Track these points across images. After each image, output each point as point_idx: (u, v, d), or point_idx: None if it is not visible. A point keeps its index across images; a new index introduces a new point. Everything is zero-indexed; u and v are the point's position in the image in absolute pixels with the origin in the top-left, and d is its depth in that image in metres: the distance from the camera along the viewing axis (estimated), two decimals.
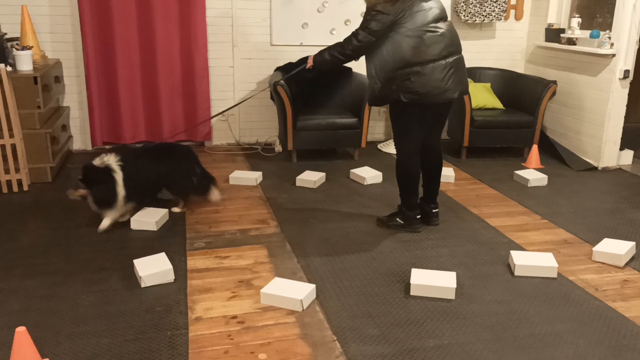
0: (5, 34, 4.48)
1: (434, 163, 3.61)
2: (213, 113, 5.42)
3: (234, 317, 2.61)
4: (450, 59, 3.22)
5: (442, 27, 3.20)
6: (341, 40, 3.39)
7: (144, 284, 2.85)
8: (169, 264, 2.95)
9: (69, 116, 5.08)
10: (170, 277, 2.91)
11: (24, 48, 4.25)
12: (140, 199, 3.64)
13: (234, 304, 2.72)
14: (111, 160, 3.48)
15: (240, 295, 2.80)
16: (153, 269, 2.90)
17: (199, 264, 3.11)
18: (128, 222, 3.57)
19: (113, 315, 2.59)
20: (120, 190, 3.44)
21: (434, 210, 3.66)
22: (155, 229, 3.53)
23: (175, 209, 3.83)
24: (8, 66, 4.11)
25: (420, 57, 3.16)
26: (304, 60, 5.26)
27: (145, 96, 5.19)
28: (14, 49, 4.26)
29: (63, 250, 3.24)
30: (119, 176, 3.45)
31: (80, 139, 5.21)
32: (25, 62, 4.22)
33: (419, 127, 3.40)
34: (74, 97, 5.10)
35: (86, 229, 3.52)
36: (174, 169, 3.74)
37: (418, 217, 3.58)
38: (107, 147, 5.24)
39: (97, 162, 3.48)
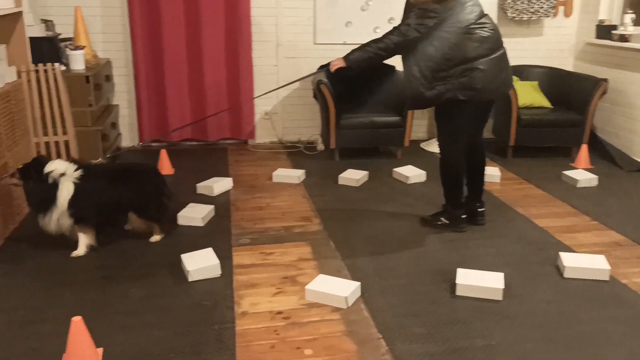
0: (60, 34, 4.63)
1: (478, 161, 3.57)
2: (257, 112, 5.48)
3: (280, 312, 2.63)
4: (499, 53, 3.20)
5: (488, 22, 3.18)
6: (379, 36, 3.30)
7: (191, 278, 2.91)
8: (216, 259, 3.00)
9: (118, 114, 5.23)
10: (217, 272, 2.96)
11: (77, 48, 4.39)
12: (98, 223, 3.26)
13: (279, 299, 2.74)
14: (69, 172, 3.14)
15: (285, 291, 2.82)
16: (200, 263, 2.95)
17: (245, 260, 3.15)
18: (175, 218, 3.63)
19: (162, 309, 2.65)
20: (62, 204, 3.09)
21: (479, 209, 3.61)
22: (201, 224, 3.59)
23: (155, 238, 3.37)
24: (62, 65, 4.25)
25: (475, 53, 3.12)
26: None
27: (191, 94, 5.28)
28: (67, 49, 4.41)
29: (113, 245, 3.32)
30: (65, 189, 3.10)
31: (128, 137, 5.35)
32: (78, 62, 4.36)
33: (469, 126, 3.36)
34: (123, 95, 5.24)
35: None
36: (139, 191, 3.28)
37: (464, 216, 3.54)
38: (154, 144, 5.36)
39: (51, 165, 3.14)
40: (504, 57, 3.24)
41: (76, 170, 3.17)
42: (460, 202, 3.54)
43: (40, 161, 3.19)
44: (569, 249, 3.29)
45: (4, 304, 2.69)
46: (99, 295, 2.77)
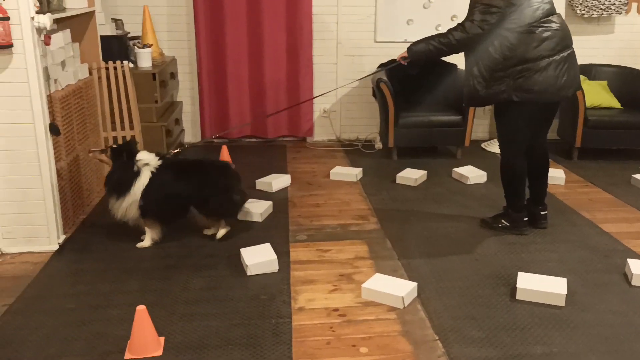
0: (129, 33, 4.81)
1: (541, 164, 3.48)
2: (315, 110, 5.51)
3: (336, 309, 2.65)
4: (564, 54, 3.09)
5: (555, 21, 3.08)
6: (444, 31, 3.28)
7: (249, 272, 2.96)
8: (274, 254, 3.05)
9: (181, 110, 5.38)
10: (274, 267, 3.00)
11: (144, 46, 4.55)
12: (165, 216, 3.32)
13: (335, 296, 2.76)
14: (152, 163, 3.25)
15: (341, 288, 2.83)
16: (258, 258, 3.00)
17: (301, 256, 3.18)
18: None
19: (221, 300, 2.72)
20: (135, 193, 3.18)
21: (542, 213, 3.51)
22: (260, 220, 3.65)
23: (220, 233, 3.36)
24: (130, 63, 4.41)
25: (535, 53, 3.03)
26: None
27: (252, 92, 5.37)
28: (135, 47, 4.57)
29: (176, 236, 3.42)
30: (143, 179, 3.20)
31: (191, 133, 5.50)
32: (145, 59, 4.52)
33: (527, 127, 3.27)
34: (186, 92, 5.39)
35: (195, 218, 3.70)
36: (203, 187, 3.29)
37: (525, 219, 3.44)
38: (215, 140, 5.48)
39: (140, 154, 3.27)
40: (569, 58, 3.12)
41: (158, 162, 3.28)
42: (522, 205, 3.45)
43: (133, 146, 3.32)
44: (638, 256, 3.15)
45: (74, 289, 2.83)
46: (162, 284, 2.87)
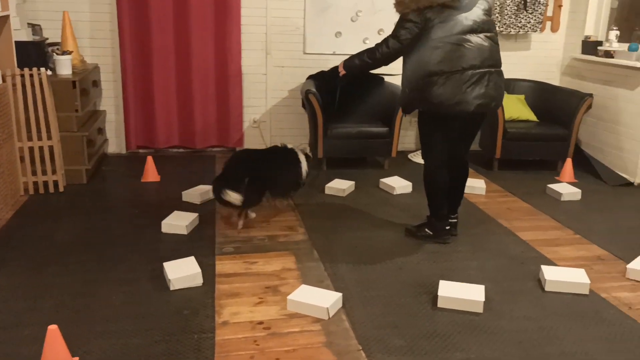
0: (47, 39, 4.62)
1: (459, 175, 3.57)
2: (245, 120, 5.48)
3: (260, 322, 2.62)
4: (477, 72, 3.14)
5: (470, 40, 3.13)
6: (372, 46, 3.39)
7: (172, 286, 2.89)
8: (198, 267, 2.99)
9: (105, 120, 5.21)
10: (198, 280, 2.94)
11: (64, 53, 4.38)
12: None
13: (261, 309, 2.73)
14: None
15: (267, 301, 2.81)
16: (182, 272, 2.93)
17: (227, 269, 3.14)
18: (159, 225, 3.62)
19: (142, 316, 2.64)
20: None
21: (451, 220, 3.62)
22: (185, 232, 3.58)
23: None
24: (48, 70, 4.24)
25: (441, 67, 3.14)
26: (335, 69, 5.31)
27: (180, 101, 5.28)
28: (54, 53, 4.39)
29: (96, 250, 3.31)
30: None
31: (115, 143, 5.33)
32: (64, 67, 4.34)
33: (442, 139, 3.37)
34: (110, 101, 5.23)
35: (119, 230, 3.60)
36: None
37: (447, 227, 3.55)
38: (140, 151, 5.35)
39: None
40: (483, 76, 3.16)
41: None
42: (444, 214, 3.55)
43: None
44: (551, 263, 3.31)
45: None
46: (80, 300, 2.75)
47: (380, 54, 3.30)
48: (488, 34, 3.21)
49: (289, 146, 4.03)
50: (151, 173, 4.61)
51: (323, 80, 5.22)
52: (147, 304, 2.75)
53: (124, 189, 4.42)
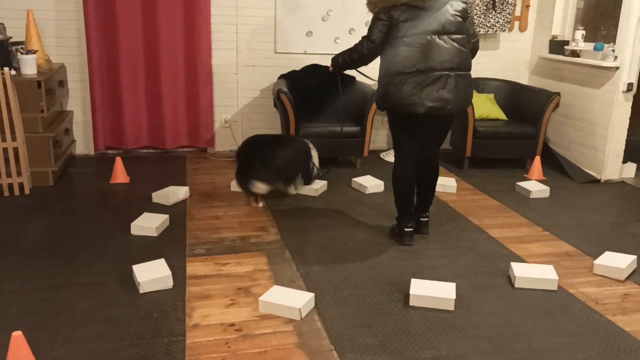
0: (10, 37, 4.50)
1: (429, 175, 3.56)
2: (216, 120, 5.43)
3: (232, 324, 2.60)
4: (433, 74, 3.13)
5: (435, 41, 3.12)
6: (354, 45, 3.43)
7: (142, 289, 2.85)
8: (168, 270, 2.95)
9: (72, 120, 5.10)
10: (168, 283, 2.90)
11: (28, 52, 4.28)
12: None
13: (232, 311, 2.71)
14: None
15: (238, 302, 2.79)
16: (152, 274, 2.89)
17: (198, 271, 3.10)
18: (128, 227, 3.57)
19: (110, 320, 2.59)
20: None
21: (422, 219, 3.63)
22: (155, 234, 3.53)
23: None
24: (12, 70, 4.13)
25: (398, 68, 3.17)
26: (308, 67, 5.30)
27: (149, 101, 5.20)
28: (18, 52, 4.29)
29: (63, 253, 3.24)
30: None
31: (83, 143, 5.23)
32: (29, 66, 4.24)
33: (407, 139, 3.39)
34: (77, 101, 5.12)
35: (87, 233, 3.53)
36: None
37: (408, 229, 3.50)
38: (109, 152, 5.26)
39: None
40: (440, 79, 3.14)
41: None
42: (405, 216, 3.51)
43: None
44: (520, 259, 3.36)
45: None
46: (47, 305, 2.69)
47: (357, 53, 3.36)
48: (454, 37, 3.17)
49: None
50: (120, 174, 4.53)
51: (295, 80, 5.22)
52: (116, 307, 2.70)
53: (92, 190, 4.34)
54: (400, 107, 3.23)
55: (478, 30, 5.59)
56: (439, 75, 3.15)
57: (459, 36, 3.20)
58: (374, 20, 3.24)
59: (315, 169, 4.33)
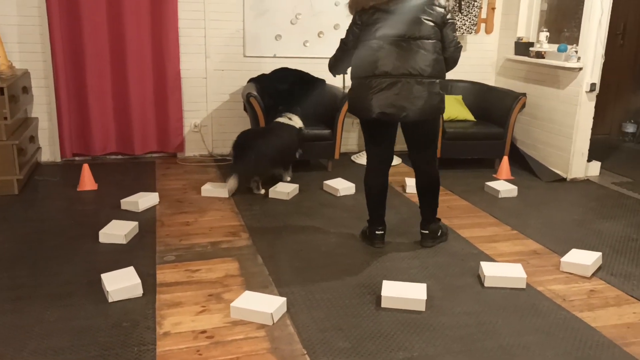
0: None
1: (424, 186, 3.49)
2: (186, 124, 5.38)
3: (203, 331, 2.57)
4: (387, 79, 3.09)
5: (393, 45, 3.07)
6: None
7: (111, 298, 2.80)
8: (137, 278, 2.91)
9: (37, 127, 5.00)
10: (138, 291, 2.86)
11: None
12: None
13: (203, 318, 2.68)
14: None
15: (209, 309, 2.76)
16: (121, 283, 2.85)
17: (169, 278, 3.06)
18: (96, 235, 3.51)
19: (78, 331, 2.54)
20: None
21: (422, 231, 3.55)
22: (124, 242, 3.47)
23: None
24: None
25: (356, 72, 3.21)
26: (278, 71, 5.29)
27: (116, 107, 5.13)
28: None
29: (29, 264, 3.17)
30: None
31: (49, 151, 5.13)
32: None
33: (370, 143, 3.41)
34: (42, 107, 5.02)
35: (53, 242, 3.46)
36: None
37: (378, 232, 3.51)
38: (76, 158, 5.17)
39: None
40: (394, 84, 3.08)
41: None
42: (374, 218, 3.51)
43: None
44: (489, 259, 3.40)
45: None
46: (12, 317, 2.62)
47: (334, 57, 3.38)
48: (421, 42, 3.08)
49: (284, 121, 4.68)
50: (88, 181, 4.46)
51: (264, 83, 5.20)
52: (84, 318, 2.65)
53: (59, 198, 4.25)
54: (356, 111, 3.27)
55: None
56: (394, 81, 3.08)
57: (428, 41, 3.09)
58: (350, 23, 3.25)
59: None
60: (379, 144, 3.39)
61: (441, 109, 3.24)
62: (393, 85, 3.09)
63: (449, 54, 3.21)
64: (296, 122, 4.72)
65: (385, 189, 3.51)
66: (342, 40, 3.31)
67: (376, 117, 3.15)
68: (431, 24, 3.10)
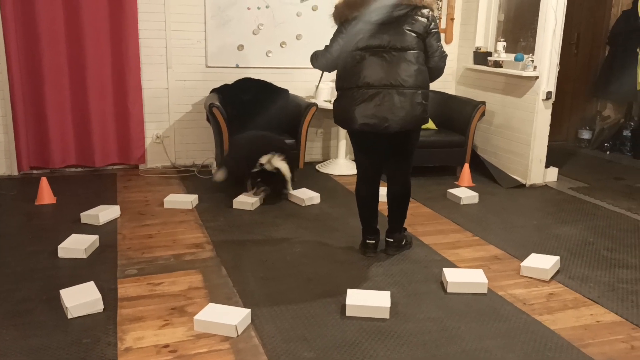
0: None
1: (396, 196, 3.50)
2: (147, 136, 5.32)
3: (166, 346, 2.53)
4: (369, 90, 3.11)
5: (376, 56, 3.09)
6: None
7: (70, 315, 2.73)
8: (98, 293, 2.85)
9: None
10: (99, 306, 2.80)
11: None
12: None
13: (166, 332, 2.64)
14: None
15: (172, 323, 2.73)
16: (80, 298, 2.78)
17: (130, 292, 3.01)
18: (55, 250, 3.43)
19: (37, 350, 2.47)
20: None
21: (387, 239, 3.57)
22: (84, 256, 3.40)
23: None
24: None
25: (340, 83, 3.24)
26: (241, 81, 5.28)
27: (75, 119, 5.04)
28: None
29: None
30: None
31: (5, 164, 4.99)
32: None
33: (358, 153, 3.43)
34: None
35: (9, 258, 3.36)
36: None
37: (369, 241, 3.53)
38: (34, 172, 5.04)
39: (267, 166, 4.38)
40: (369, 95, 3.10)
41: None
42: (365, 228, 3.54)
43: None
44: (452, 265, 3.45)
45: None
46: None
47: (317, 62, 3.35)
48: (402, 53, 3.08)
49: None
50: (46, 195, 4.35)
51: (227, 94, 5.18)
52: (43, 335, 2.58)
53: (16, 213, 4.14)
54: (341, 122, 3.29)
55: None
56: (376, 92, 3.10)
57: (410, 52, 3.09)
58: (335, 32, 3.24)
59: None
60: (367, 154, 3.40)
61: (424, 119, 3.26)
62: (375, 96, 3.10)
63: (434, 64, 3.22)
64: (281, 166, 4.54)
65: (377, 198, 3.51)
66: (326, 47, 3.25)
67: (359, 129, 3.18)
68: (413, 34, 3.11)
